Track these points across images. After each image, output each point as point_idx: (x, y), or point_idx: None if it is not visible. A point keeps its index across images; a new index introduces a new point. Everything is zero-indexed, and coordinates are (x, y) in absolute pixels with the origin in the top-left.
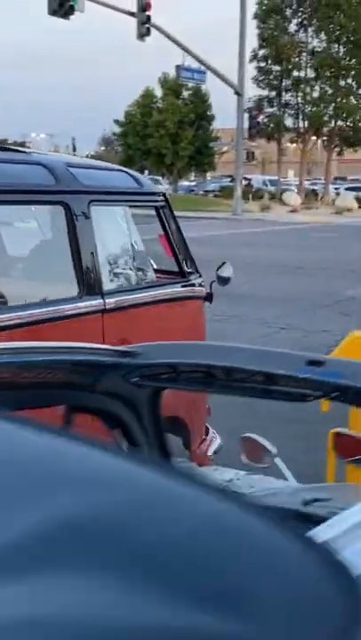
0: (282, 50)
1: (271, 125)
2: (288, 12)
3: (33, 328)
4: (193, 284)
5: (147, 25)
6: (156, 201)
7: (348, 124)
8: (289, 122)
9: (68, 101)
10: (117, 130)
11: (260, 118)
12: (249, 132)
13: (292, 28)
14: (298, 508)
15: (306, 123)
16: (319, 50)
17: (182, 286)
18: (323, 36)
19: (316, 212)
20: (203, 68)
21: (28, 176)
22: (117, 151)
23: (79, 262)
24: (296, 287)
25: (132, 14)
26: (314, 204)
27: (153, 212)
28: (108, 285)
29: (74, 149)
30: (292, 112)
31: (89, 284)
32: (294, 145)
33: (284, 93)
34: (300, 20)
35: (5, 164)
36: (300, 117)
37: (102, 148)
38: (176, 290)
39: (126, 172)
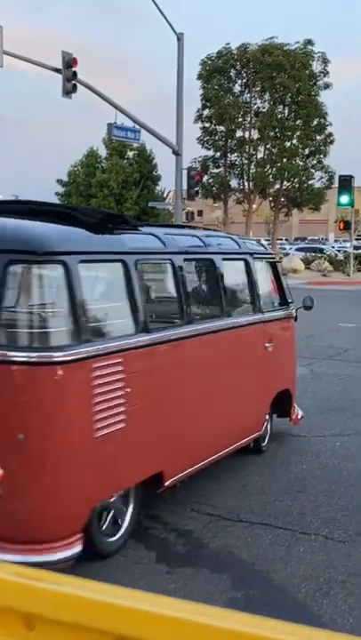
0: (225, 110)
1: (214, 186)
2: (232, 72)
3: (237, 330)
4: (291, 309)
5: (73, 82)
6: (272, 258)
7: (293, 184)
8: (234, 182)
9: (29, 162)
10: (61, 190)
11: (206, 179)
12: (188, 192)
13: (237, 88)
14: None
15: (251, 183)
16: (263, 110)
17: (286, 310)
18: (267, 96)
19: None
20: (137, 126)
21: (225, 244)
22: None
23: (253, 293)
24: None
25: (57, 70)
26: None
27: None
28: (264, 307)
29: None
30: (237, 172)
31: (257, 305)
32: (253, 206)
33: (229, 154)
34: (244, 80)
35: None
36: (246, 178)
37: None
38: (285, 312)
39: (260, 242)
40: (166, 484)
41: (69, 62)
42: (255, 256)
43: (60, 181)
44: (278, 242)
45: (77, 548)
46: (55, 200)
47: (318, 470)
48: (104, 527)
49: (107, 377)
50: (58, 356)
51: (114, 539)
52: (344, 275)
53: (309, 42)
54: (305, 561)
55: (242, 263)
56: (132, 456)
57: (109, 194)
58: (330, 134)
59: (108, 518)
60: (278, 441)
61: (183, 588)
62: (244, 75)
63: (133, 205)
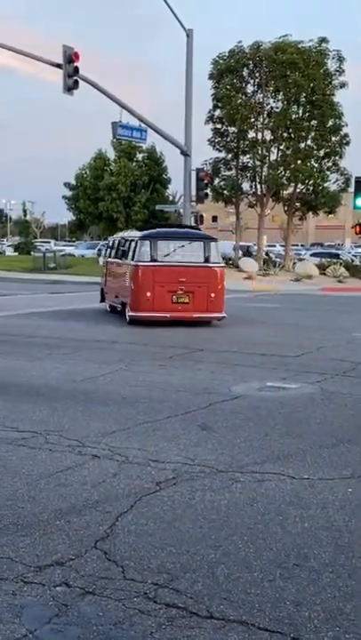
0: (237, 110)
1: (226, 189)
2: (244, 71)
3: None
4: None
5: (74, 77)
6: (216, 241)
7: (308, 187)
8: (246, 185)
9: (43, 170)
10: (68, 193)
11: (217, 181)
12: (197, 194)
13: (250, 88)
14: None
15: (264, 186)
16: (277, 110)
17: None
18: (280, 96)
19: (273, 279)
20: (143, 125)
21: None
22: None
23: (217, 255)
24: (175, 379)
25: (58, 66)
26: (273, 270)
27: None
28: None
29: (24, 214)
30: (250, 175)
31: (215, 259)
32: (267, 210)
33: (241, 156)
34: (257, 80)
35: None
36: (258, 181)
37: None
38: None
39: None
40: None
41: (70, 57)
42: (213, 241)
43: (67, 185)
44: (293, 247)
45: (225, 314)
46: (62, 203)
47: (324, 531)
48: None
49: (224, 272)
50: (220, 265)
51: None
52: None
53: (324, 39)
54: None
55: (211, 243)
56: None
57: (117, 197)
58: (346, 135)
59: None
60: (276, 484)
61: None
62: (257, 74)
63: (142, 209)
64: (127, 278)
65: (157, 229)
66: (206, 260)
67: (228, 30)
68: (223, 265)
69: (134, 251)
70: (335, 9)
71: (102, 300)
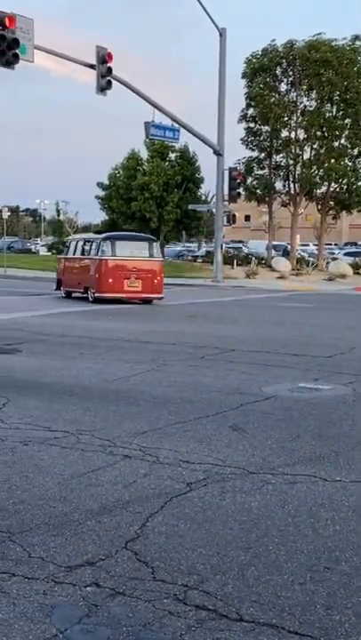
0: (270, 109)
1: (259, 189)
2: (278, 70)
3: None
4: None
5: (107, 78)
6: (157, 241)
7: (342, 185)
8: (279, 184)
9: (71, 171)
10: (101, 193)
11: (250, 181)
12: (230, 194)
13: (283, 87)
14: None
15: (297, 185)
16: (310, 109)
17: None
18: (314, 94)
19: (306, 279)
20: (176, 125)
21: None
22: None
23: (159, 251)
24: (206, 380)
25: (91, 66)
26: (306, 269)
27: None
28: (157, 255)
29: (58, 214)
30: (283, 174)
31: (157, 254)
32: (301, 209)
33: (274, 154)
34: (290, 78)
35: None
36: (291, 180)
37: None
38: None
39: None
40: None
41: (104, 57)
42: (155, 241)
43: (100, 184)
44: (326, 246)
45: (163, 295)
46: (96, 203)
47: (356, 534)
48: None
49: (163, 264)
50: (160, 260)
51: None
52: None
53: (357, 37)
54: None
55: (154, 242)
56: None
57: (150, 197)
58: None
59: None
60: (308, 486)
61: None
62: (291, 72)
63: (174, 209)
64: (92, 269)
65: (114, 232)
66: (151, 255)
67: (232, 31)
68: (162, 259)
69: (97, 248)
70: (338, 9)
71: (57, 288)
